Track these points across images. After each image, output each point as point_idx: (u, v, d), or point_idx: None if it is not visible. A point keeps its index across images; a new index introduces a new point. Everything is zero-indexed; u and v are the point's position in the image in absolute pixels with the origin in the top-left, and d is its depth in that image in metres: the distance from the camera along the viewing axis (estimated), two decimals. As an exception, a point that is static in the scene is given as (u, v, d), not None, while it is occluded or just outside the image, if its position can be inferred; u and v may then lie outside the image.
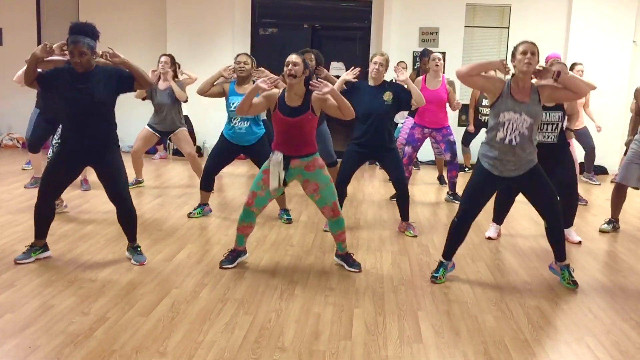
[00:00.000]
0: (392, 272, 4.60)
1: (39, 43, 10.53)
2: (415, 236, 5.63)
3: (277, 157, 4.31)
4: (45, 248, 4.61)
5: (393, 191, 7.73)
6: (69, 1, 10.54)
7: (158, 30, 10.15)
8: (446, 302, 4.03)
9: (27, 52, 7.98)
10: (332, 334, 3.47)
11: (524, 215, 6.42)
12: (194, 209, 6.12)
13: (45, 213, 4.53)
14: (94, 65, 4.30)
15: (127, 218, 4.60)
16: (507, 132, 4.17)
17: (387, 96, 5.39)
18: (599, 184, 8.81)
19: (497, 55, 9.83)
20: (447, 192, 7.38)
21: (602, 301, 4.16)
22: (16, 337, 3.27)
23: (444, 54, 9.95)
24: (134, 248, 4.66)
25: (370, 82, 5.57)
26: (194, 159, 7.19)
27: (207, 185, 6.03)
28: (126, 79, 4.35)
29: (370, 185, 8.16)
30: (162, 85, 7.03)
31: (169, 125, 7.07)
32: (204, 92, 5.81)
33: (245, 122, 5.75)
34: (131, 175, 7.20)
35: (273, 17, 10.64)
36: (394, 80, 5.59)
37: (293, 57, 4.31)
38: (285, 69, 4.31)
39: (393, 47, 9.92)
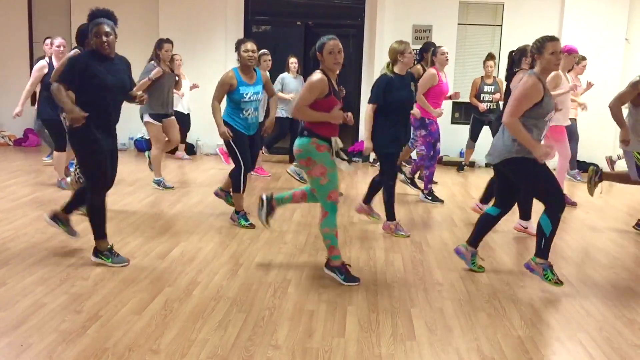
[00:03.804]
0: (386, 270, 4.60)
1: (30, 42, 10.52)
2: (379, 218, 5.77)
3: (339, 142, 4.26)
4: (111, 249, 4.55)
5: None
6: (61, 0, 10.50)
7: (150, 28, 10.10)
8: (439, 300, 4.03)
9: (19, 51, 8.02)
10: (326, 331, 3.47)
11: (517, 213, 6.43)
12: (245, 221, 5.68)
13: (104, 207, 4.47)
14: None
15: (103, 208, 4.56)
16: (546, 130, 4.28)
17: (413, 86, 5.72)
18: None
19: (491, 51, 9.83)
20: (413, 178, 7.59)
21: (595, 298, 4.17)
22: (8, 335, 3.25)
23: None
24: (109, 250, 4.48)
25: (398, 72, 5.60)
26: (175, 146, 7.44)
27: (245, 182, 5.70)
28: (131, 82, 4.57)
29: (364, 183, 8.15)
30: (168, 70, 7.12)
31: (170, 106, 7.18)
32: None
33: (256, 112, 5.75)
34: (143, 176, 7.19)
35: (266, 15, 10.63)
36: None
37: (339, 44, 4.19)
38: (329, 56, 4.15)
39: (386, 44, 9.82)
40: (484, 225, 4.63)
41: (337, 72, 4.29)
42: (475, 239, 4.66)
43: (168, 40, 7.16)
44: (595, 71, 9.25)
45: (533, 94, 4.13)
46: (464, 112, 10.25)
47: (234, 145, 5.60)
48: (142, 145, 10.16)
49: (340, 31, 10.68)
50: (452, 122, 10.35)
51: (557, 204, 4.23)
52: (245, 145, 5.65)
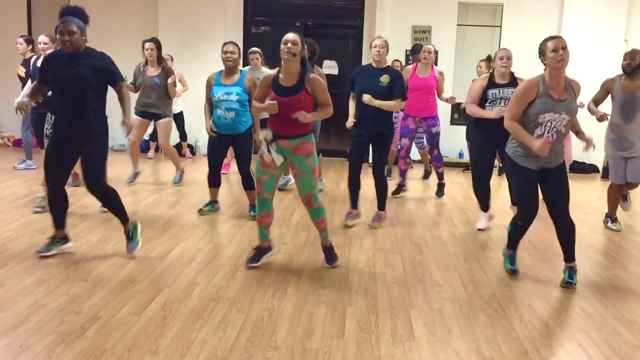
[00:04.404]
0: (385, 270, 4.60)
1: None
2: (374, 228, 5.79)
3: (265, 133, 4.37)
4: (65, 240, 4.67)
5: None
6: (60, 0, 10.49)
7: (150, 28, 10.09)
8: (439, 300, 4.03)
9: (18, 51, 8.00)
10: (325, 332, 3.47)
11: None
12: (205, 205, 6.17)
13: (57, 201, 4.56)
14: (84, 47, 4.39)
15: (104, 200, 4.68)
16: (545, 129, 4.19)
17: (384, 78, 5.60)
18: None
19: (490, 52, 9.83)
20: (438, 183, 7.57)
21: (594, 299, 4.17)
22: (7, 336, 3.25)
23: (436, 52, 10.02)
24: (126, 233, 4.72)
25: (374, 65, 5.72)
26: (166, 149, 7.44)
27: (212, 181, 6.12)
28: (109, 75, 4.48)
29: (363, 183, 8.13)
30: (151, 71, 7.06)
31: (156, 106, 7.16)
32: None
33: (230, 112, 5.77)
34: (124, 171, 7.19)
35: (265, 15, 10.62)
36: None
37: (291, 36, 4.29)
38: (282, 46, 4.27)
39: (385, 45, 9.91)
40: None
41: (287, 62, 4.29)
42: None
43: (150, 40, 7.16)
44: (594, 72, 9.25)
45: (523, 94, 4.18)
46: (463, 113, 10.25)
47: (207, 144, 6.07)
48: (141, 146, 10.14)
49: (340, 32, 10.70)
50: (452, 123, 10.36)
51: (520, 211, 4.40)
52: (211, 145, 5.99)
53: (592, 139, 4.42)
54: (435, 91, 7.19)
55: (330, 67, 10.42)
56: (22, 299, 3.75)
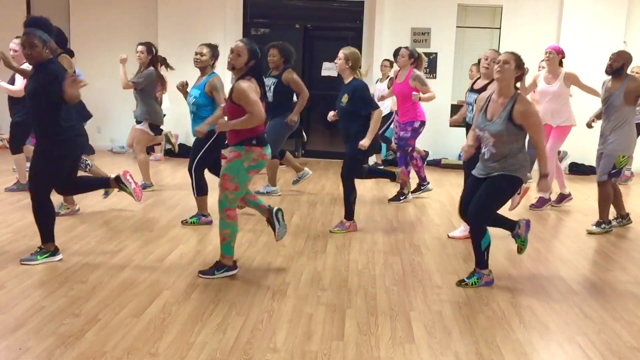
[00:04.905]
0: (385, 273, 4.60)
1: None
2: (333, 232, 5.67)
3: None
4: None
5: (384, 192, 7.76)
6: (60, 0, 10.49)
7: (149, 30, 10.10)
8: (438, 302, 4.03)
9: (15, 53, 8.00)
10: (325, 334, 3.47)
11: (515, 216, 6.42)
12: (191, 217, 5.78)
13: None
14: (48, 59, 4.28)
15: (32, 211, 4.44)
16: (482, 145, 4.35)
17: (344, 98, 5.53)
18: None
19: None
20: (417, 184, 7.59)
21: (593, 300, 4.17)
22: (6, 338, 3.24)
23: (435, 54, 10.05)
24: (39, 248, 4.50)
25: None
26: (136, 154, 7.24)
27: (196, 189, 5.69)
28: (55, 84, 4.17)
29: (362, 186, 8.15)
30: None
31: (137, 113, 7.10)
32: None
33: (192, 115, 5.74)
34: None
35: (265, 17, 10.64)
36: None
37: (239, 46, 4.17)
38: (229, 55, 4.23)
39: (385, 47, 9.94)
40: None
41: (233, 71, 4.28)
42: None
43: (143, 43, 7.08)
44: (593, 73, 9.25)
45: (476, 104, 4.56)
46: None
47: None
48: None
49: (339, 34, 10.72)
50: (451, 125, 10.34)
51: None
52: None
53: (545, 189, 4.49)
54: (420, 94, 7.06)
55: (329, 69, 10.42)
56: (22, 301, 3.75)
